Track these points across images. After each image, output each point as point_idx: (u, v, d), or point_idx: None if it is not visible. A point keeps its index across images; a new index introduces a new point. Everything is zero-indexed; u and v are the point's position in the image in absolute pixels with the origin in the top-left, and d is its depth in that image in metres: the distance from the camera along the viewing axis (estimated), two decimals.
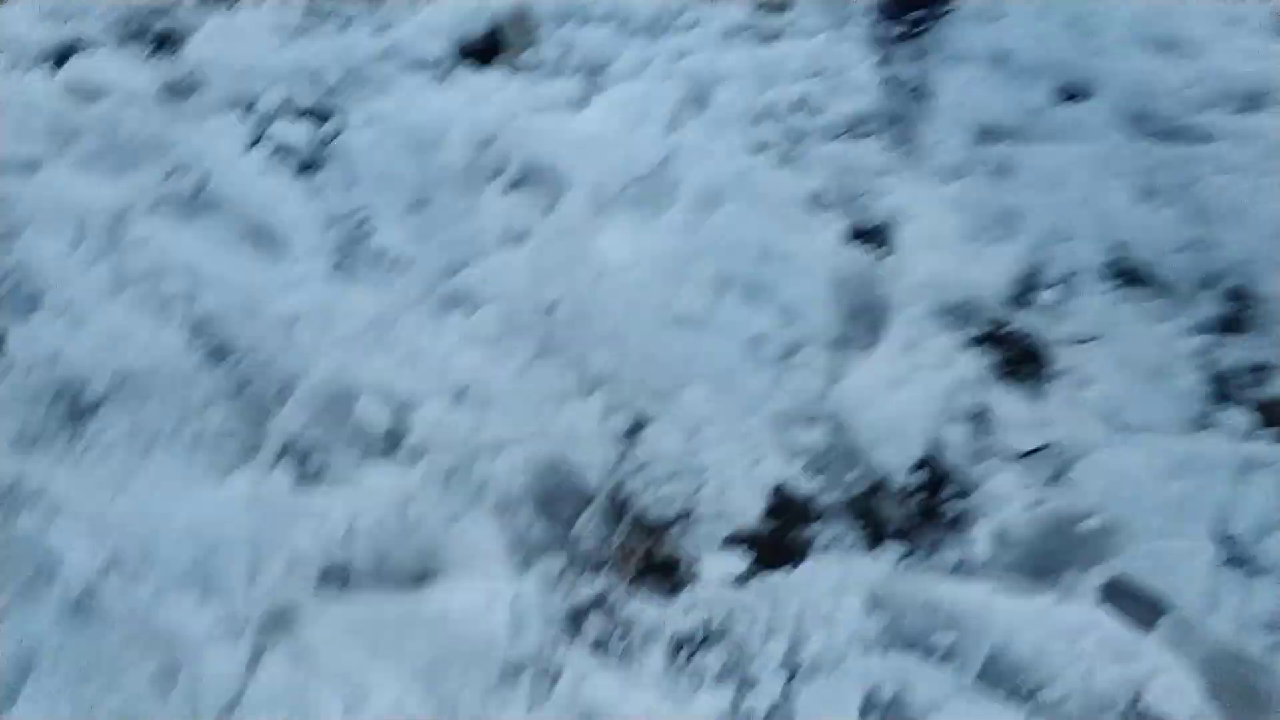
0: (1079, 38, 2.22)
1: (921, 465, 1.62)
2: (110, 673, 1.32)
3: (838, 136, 2.04)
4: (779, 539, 1.54)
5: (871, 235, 1.90)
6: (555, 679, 1.34)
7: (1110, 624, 1.42)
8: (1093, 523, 1.56)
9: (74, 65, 1.93)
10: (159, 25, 2.05)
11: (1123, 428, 1.67)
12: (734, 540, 1.54)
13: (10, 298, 1.64)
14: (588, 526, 1.53)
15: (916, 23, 2.24)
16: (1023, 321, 1.81)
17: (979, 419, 1.68)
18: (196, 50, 1.99)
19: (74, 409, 1.55)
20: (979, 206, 1.94)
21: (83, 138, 1.84)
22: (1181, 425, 1.69)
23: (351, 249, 1.78)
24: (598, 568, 1.50)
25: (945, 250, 1.85)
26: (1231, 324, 1.82)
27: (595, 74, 2.09)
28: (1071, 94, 2.15)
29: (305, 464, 1.54)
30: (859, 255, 1.85)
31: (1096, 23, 2.24)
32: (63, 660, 1.32)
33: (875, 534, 1.56)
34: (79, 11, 2.03)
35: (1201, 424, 1.68)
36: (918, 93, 2.14)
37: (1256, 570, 1.50)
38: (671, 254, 1.76)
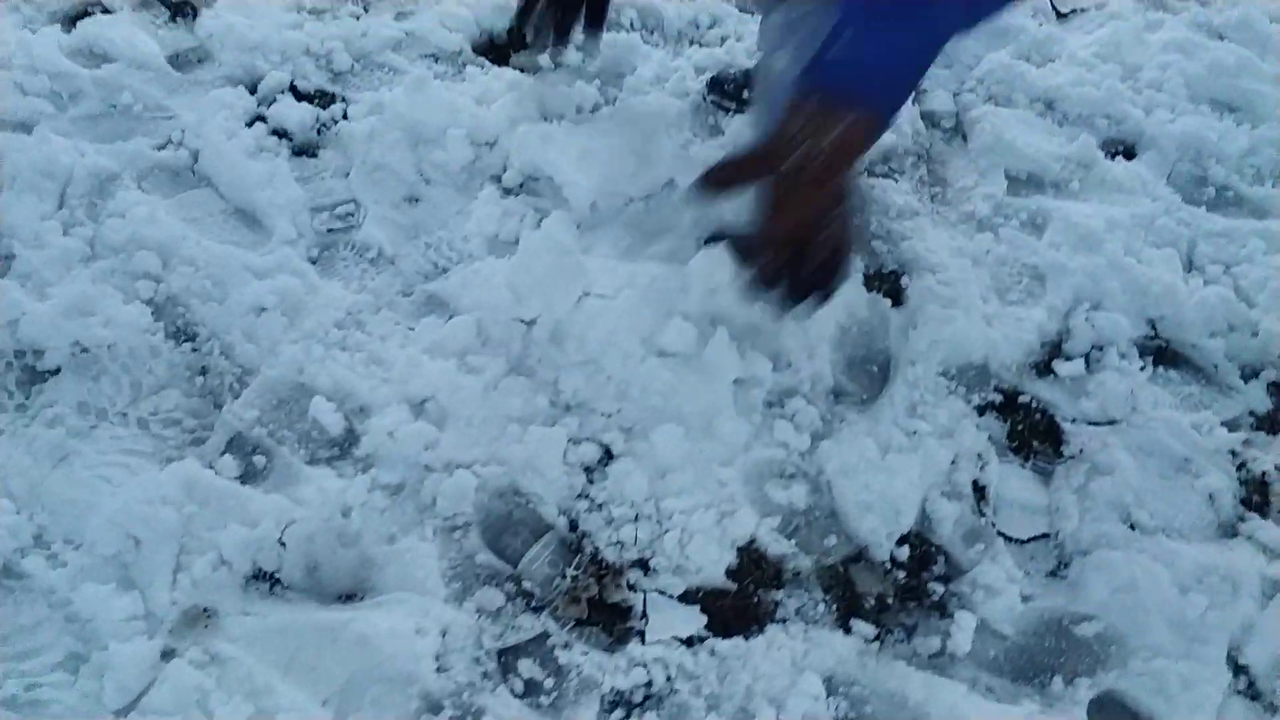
0: (1133, 91, 2.10)
1: (908, 540, 1.52)
2: (21, 648, 1.29)
3: (865, 171, 1.95)
4: (740, 602, 1.45)
5: (884, 281, 1.80)
6: None
7: None
8: (1091, 628, 1.44)
9: (85, 27, 1.90)
10: None
11: (1137, 526, 1.55)
12: (691, 597, 1.45)
13: None
14: (536, 562, 1.46)
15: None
16: (1039, 393, 1.70)
17: (978, 496, 1.58)
18: (211, 22, 1.96)
19: (26, 377, 1.52)
20: (1005, 262, 1.83)
21: (82, 101, 1.82)
22: (1204, 531, 1.56)
23: (333, 241, 1.73)
24: (540, 607, 1.42)
25: (963, 306, 1.74)
26: (1271, 423, 1.69)
27: (612, 82, 2.02)
28: (1118, 150, 2.03)
29: (250, 460, 1.48)
30: (868, 301, 1.75)
31: (1154, 77, 2.11)
32: None
33: (847, 609, 1.46)
34: None
35: (1227, 533, 1.55)
36: (954, 131, 2.03)
37: (1271, 708, 1.37)
38: (663, 282, 1.67)
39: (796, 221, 1.24)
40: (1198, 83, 2.11)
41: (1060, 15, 2.26)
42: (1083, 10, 2.27)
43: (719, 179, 1.29)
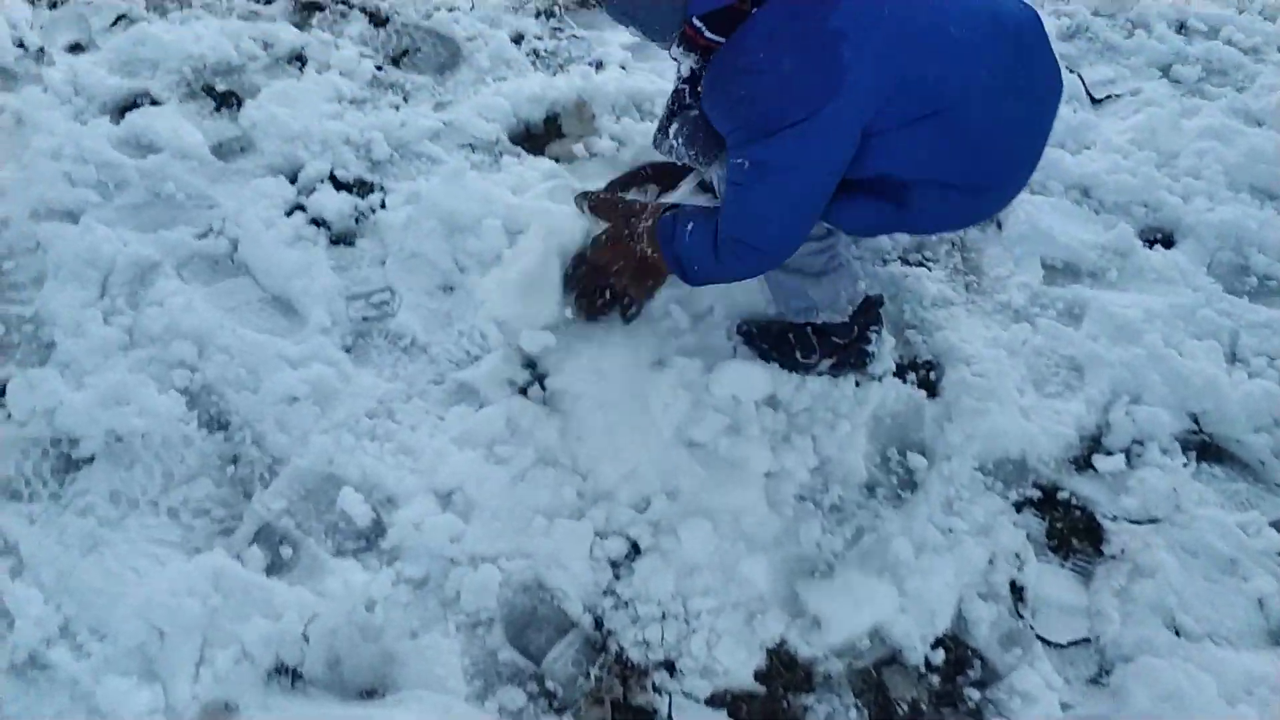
0: (1170, 178, 2.09)
1: (943, 643, 1.49)
2: None
3: (897, 258, 1.95)
4: (769, 706, 1.42)
5: (920, 371, 1.79)
6: None
7: None
8: None
9: (133, 119, 1.99)
10: (224, 85, 2.11)
11: (1182, 631, 1.50)
12: (718, 700, 1.42)
13: (21, 346, 1.67)
14: (559, 660, 1.44)
15: None
16: (1078, 489, 1.67)
17: (1016, 597, 1.54)
18: (254, 112, 2.04)
19: (62, 465, 1.55)
20: (1043, 353, 1.82)
21: (127, 190, 1.89)
22: (1253, 638, 1.51)
23: (367, 329, 1.77)
24: (563, 709, 1.40)
25: (999, 399, 1.72)
26: None
27: None
28: (1156, 238, 2.02)
29: (277, 551, 1.50)
30: (904, 392, 1.74)
31: (1191, 164, 2.11)
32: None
33: (880, 715, 1.43)
34: (151, 65, 2.11)
35: (1275, 640, 1.50)
36: (989, 221, 2.04)
37: None
38: (696, 374, 1.69)
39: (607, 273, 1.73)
40: (1236, 170, 2.11)
41: (1095, 101, 2.28)
42: (1117, 96, 2.28)
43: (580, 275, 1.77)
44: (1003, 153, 1.46)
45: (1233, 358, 1.83)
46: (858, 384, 1.72)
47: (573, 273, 1.74)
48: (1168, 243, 2.01)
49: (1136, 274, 1.93)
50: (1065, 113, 2.23)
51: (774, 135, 1.35)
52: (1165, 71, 2.38)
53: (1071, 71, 2.35)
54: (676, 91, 1.72)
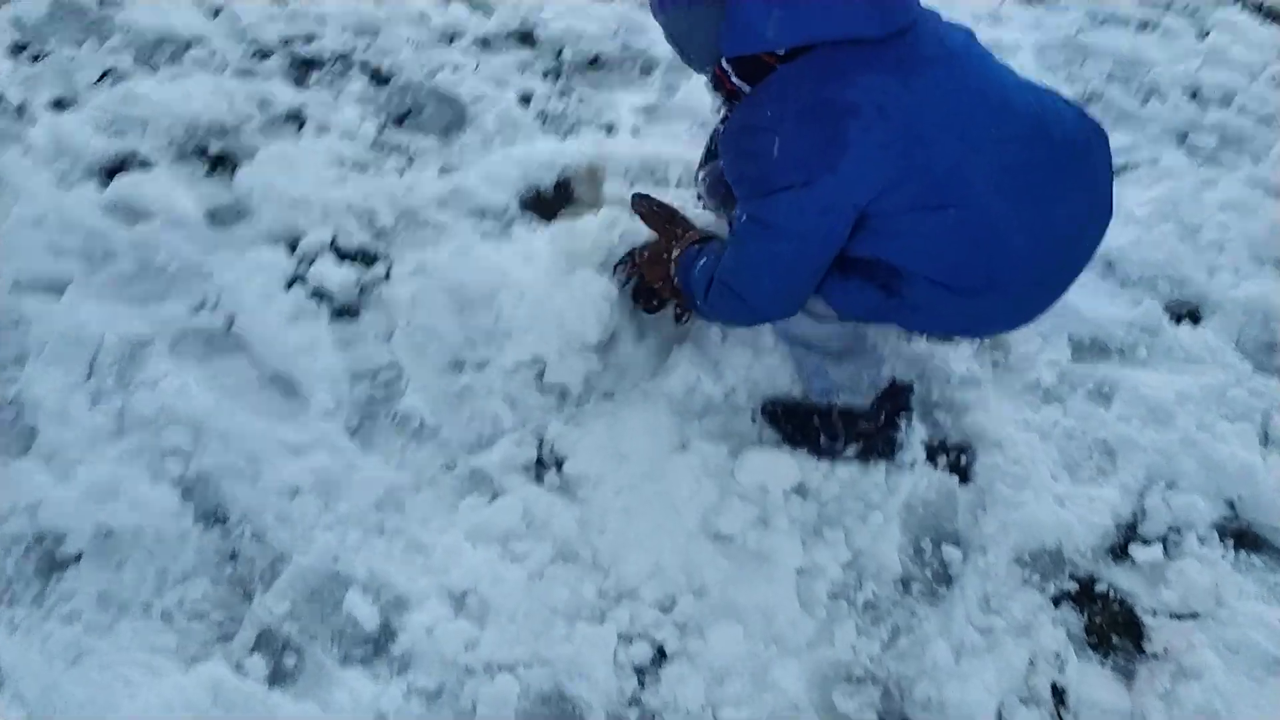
0: (1194, 251, 2.07)
1: None
2: None
3: (923, 335, 1.91)
4: None
5: (950, 456, 1.74)
6: None
7: None
8: None
9: (122, 183, 1.91)
10: (217, 146, 2.03)
11: None
12: None
13: (1, 433, 1.57)
14: None
15: None
16: (1116, 581, 1.62)
17: (1057, 700, 1.48)
18: (251, 176, 1.97)
19: (46, 565, 1.46)
20: (1074, 437, 1.77)
21: (116, 261, 1.80)
22: None
23: (373, 411, 1.69)
24: None
25: (1033, 487, 1.68)
26: None
27: None
28: (1183, 314, 1.99)
29: (280, 659, 1.41)
30: (936, 479, 1.69)
31: (1213, 236, 2.09)
32: None
33: None
34: (140, 124, 2.03)
35: None
36: None
37: None
38: (721, 459, 1.62)
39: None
40: (1260, 244, 2.10)
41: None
42: (1135, 166, 2.26)
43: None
44: (1010, 259, 1.37)
45: (1265, 439, 1.80)
46: (887, 471, 1.67)
47: (621, 265, 1.79)
48: (1195, 318, 1.98)
49: (1165, 352, 1.90)
50: None
51: (770, 196, 1.35)
52: (1182, 140, 2.37)
53: None
54: (715, 131, 1.74)
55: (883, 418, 1.66)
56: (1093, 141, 1.43)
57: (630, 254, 1.77)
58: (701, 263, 1.55)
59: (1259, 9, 2.83)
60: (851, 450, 1.66)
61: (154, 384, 1.63)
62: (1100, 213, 1.46)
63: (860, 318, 1.52)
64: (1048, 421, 1.78)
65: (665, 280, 1.69)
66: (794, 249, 1.38)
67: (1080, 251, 1.47)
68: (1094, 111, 2.37)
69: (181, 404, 1.61)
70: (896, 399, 1.67)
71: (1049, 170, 1.37)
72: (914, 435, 1.70)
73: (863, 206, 1.33)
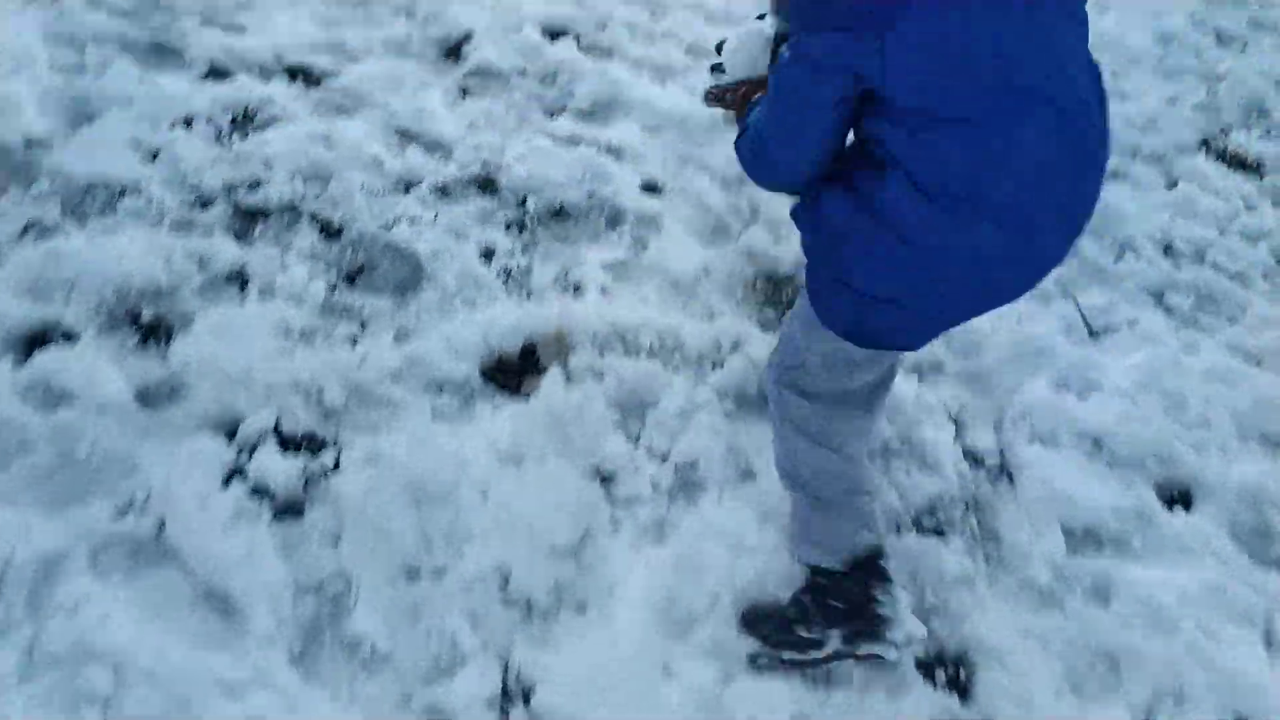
0: (1181, 427, 2.03)
1: None
2: None
3: (911, 522, 1.82)
4: None
5: (949, 671, 1.64)
6: None
7: None
8: None
9: (42, 360, 1.73)
10: (151, 312, 1.87)
11: None
12: None
13: None
14: None
15: None
16: None
17: None
18: (187, 348, 1.81)
19: None
20: (1075, 646, 1.69)
21: (31, 455, 1.63)
22: None
23: (318, 633, 1.54)
24: None
25: (1036, 705, 1.59)
26: None
27: (631, 415, 1.88)
28: (1175, 498, 1.94)
29: None
30: (937, 701, 1.59)
31: (1199, 409, 2.06)
32: None
33: None
34: (65, 287, 1.86)
35: None
36: (999, 472, 1.93)
37: None
38: (709, 683, 1.51)
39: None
40: (1244, 418, 2.08)
41: (1092, 333, 2.22)
42: (1115, 329, 2.24)
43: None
44: (999, 175, 1.30)
45: (1269, 641, 1.74)
46: (887, 693, 1.56)
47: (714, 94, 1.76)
48: (1186, 502, 1.93)
49: (1159, 543, 1.84)
50: (1065, 346, 2.17)
51: (815, 33, 1.33)
52: (1159, 299, 2.36)
53: (1066, 297, 2.31)
54: (720, 42, 1.74)
55: (857, 590, 1.56)
56: (1097, 81, 1.39)
57: (725, 89, 1.75)
58: (757, 110, 1.53)
59: (1221, 156, 2.87)
60: (835, 639, 1.55)
61: (73, 609, 1.45)
62: (1102, 145, 1.39)
63: (827, 248, 1.45)
64: (1048, 629, 1.70)
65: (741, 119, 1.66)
66: (815, 85, 1.35)
67: (1077, 197, 1.39)
68: (1068, 267, 2.35)
69: (100, 637, 1.43)
70: (870, 566, 1.57)
71: (1077, 154, 1.34)
72: (900, 606, 1.53)
73: (887, 83, 1.27)
